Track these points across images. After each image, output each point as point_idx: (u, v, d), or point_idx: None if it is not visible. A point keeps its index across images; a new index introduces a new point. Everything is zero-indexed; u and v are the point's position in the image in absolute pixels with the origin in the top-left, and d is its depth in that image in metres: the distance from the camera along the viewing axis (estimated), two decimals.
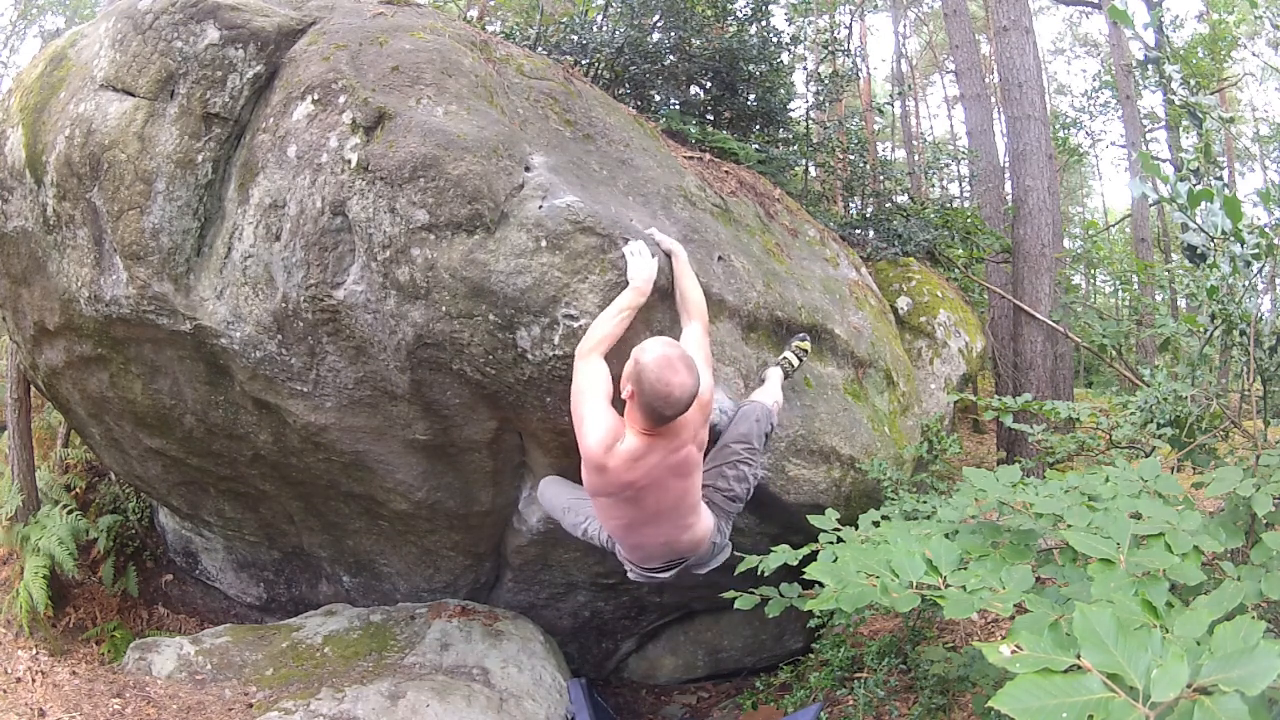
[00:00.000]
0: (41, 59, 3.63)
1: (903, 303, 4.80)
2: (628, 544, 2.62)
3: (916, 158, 14.57)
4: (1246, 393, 2.86)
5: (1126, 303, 12.99)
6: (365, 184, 2.77)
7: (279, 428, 3.43)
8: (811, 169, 6.58)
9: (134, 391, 3.58)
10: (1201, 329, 3.07)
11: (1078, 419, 3.33)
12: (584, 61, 5.28)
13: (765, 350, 3.36)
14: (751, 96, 5.73)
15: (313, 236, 2.87)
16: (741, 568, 2.35)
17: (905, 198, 6.93)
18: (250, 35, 3.03)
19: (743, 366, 3.22)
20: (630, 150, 3.38)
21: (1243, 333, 2.72)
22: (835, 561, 1.88)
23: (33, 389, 4.43)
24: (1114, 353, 5.58)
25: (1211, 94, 9.90)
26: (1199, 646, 1.19)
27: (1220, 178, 3.04)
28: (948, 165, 10.44)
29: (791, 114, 6.21)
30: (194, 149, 3.02)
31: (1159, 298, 9.78)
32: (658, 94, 5.59)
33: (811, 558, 2.03)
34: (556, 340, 2.74)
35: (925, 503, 3.01)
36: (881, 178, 6.84)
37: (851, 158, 6.51)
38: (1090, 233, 17.79)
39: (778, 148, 5.81)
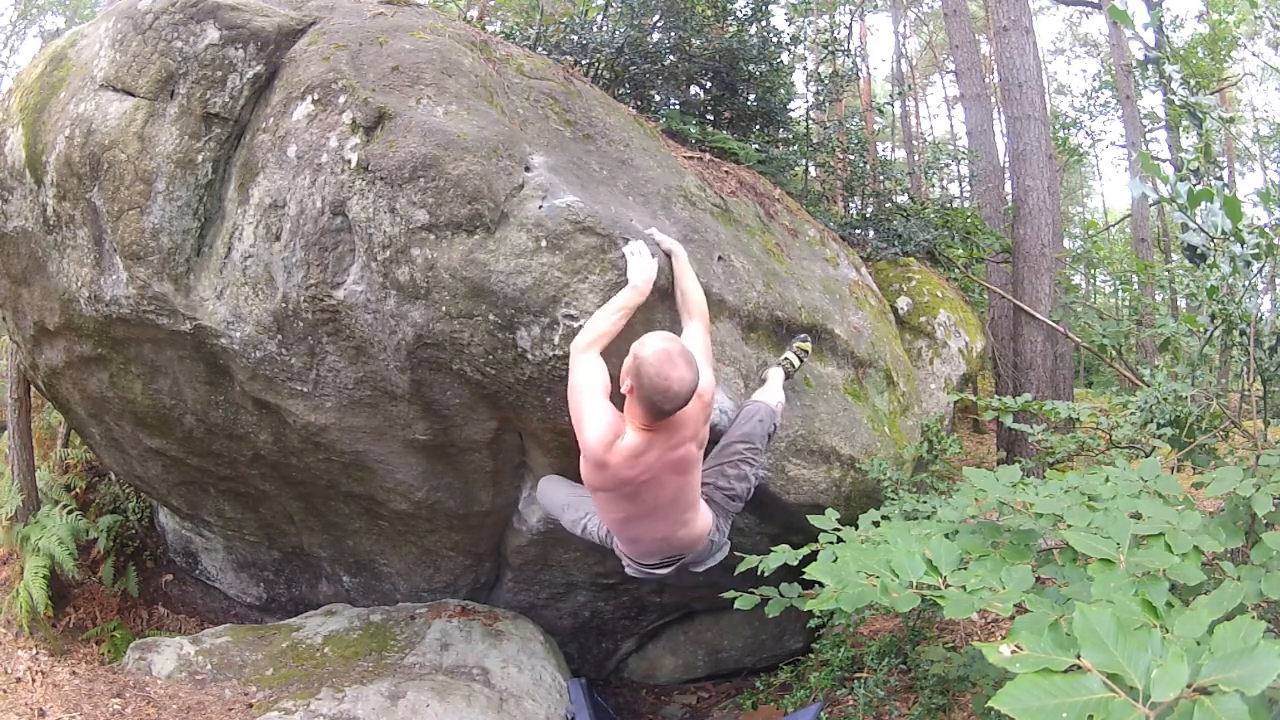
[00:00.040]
0: (41, 59, 3.63)
1: (903, 303, 4.80)
2: (626, 538, 2.62)
3: (916, 158, 14.57)
4: (1246, 393, 2.86)
5: (1126, 303, 13.00)
6: (365, 184, 2.77)
7: (279, 428, 3.43)
8: (811, 169, 6.58)
9: (134, 391, 3.58)
10: (1201, 329, 3.07)
11: (1078, 419, 3.33)
12: (584, 61, 5.28)
13: (765, 350, 3.36)
14: (751, 96, 5.73)
15: (313, 236, 2.87)
16: (741, 568, 2.35)
17: (905, 198, 6.93)
18: (250, 35, 3.03)
19: (743, 366, 3.22)
20: (630, 150, 3.38)
21: (1243, 333, 2.72)
22: (835, 561, 1.88)
23: (33, 389, 4.43)
24: (1114, 353, 5.58)
25: (1211, 94, 9.90)
26: (1199, 646, 1.19)
27: (1220, 178, 3.04)
28: (948, 165, 10.44)
29: (791, 114, 6.21)
30: (194, 149, 3.02)
31: (1159, 298, 9.79)
32: (658, 94, 5.59)
33: (811, 558, 2.03)
34: (556, 340, 2.74)
35: (925, 503, 3.01)
36: (881, 178, 6.84)
37: (851, 158, 6.51)
38: (1090, 233, 17.79)
39: (778, 148, 5.81)
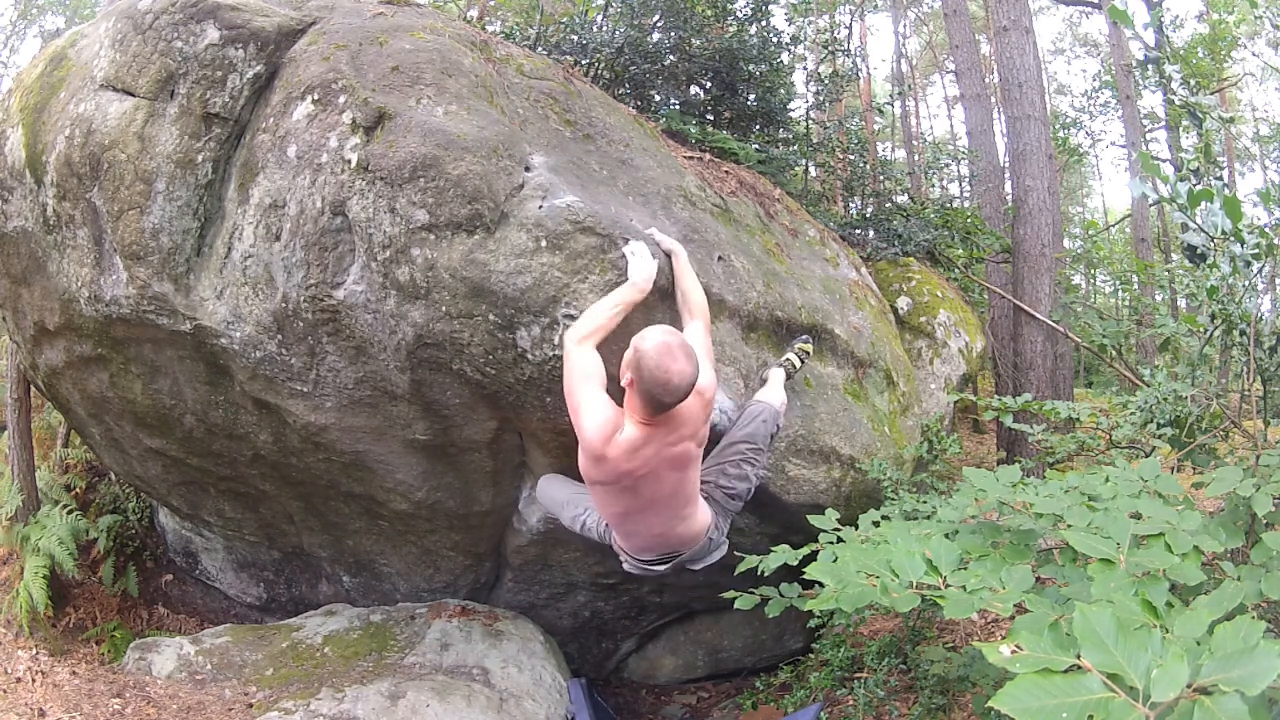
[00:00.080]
0: (41, 59, 3.63)
1: (903, 303, 4.80)
2: (623, 533, 2.62)
3: (916, 158, 14.57)
4: (1246, 393, 2.86)
5: (1126, 303, 13.00)
6: (365, 184, 2.77)
7: (279, 428, 3.43)
8: (811, 169, 6.58)
9: (134, 391, 3.58)
10: (1201, 329, 3.07)
11: (1078, 419, 3.33)
12: (584, 61, 5.28)
13: (765, 350, 3.36)
14: (751, 96, 5.73)
15: (313, 236, 2.87)
16: (741, 568, 2.35)
17: (905, 198, 6.93)
18: (250, 35, 3.03)
19: (743, 366, 3.22)
20: (630, 150, 3.38)
21: (1243, 333, 2.72)
22: (835, 561, 1.88)
23: (33, 389, 4.43)
24: (1114, 353, 5.58)
25: (1211, 94, 9.90)
26: (1199, 646, 1.19)
27: (1220, 178, 3.04)
28: (948, 165, 10.44)
29: (791, 114, 6.21)
30: (194, 149, 3.02)
31: (1159, 298, 9.79)
32: (658, 94, 5.59)
33: (811, 558, 2.03)
34: (556, 340, 2.73)
35: (925, 503, 3.01)
36: (881, 178, 6.84)
37: (851, 158, 6.51)
38: (1090, 233, 17.79)
39: (778, 148, 5.81)
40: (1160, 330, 3.44)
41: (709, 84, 5.67)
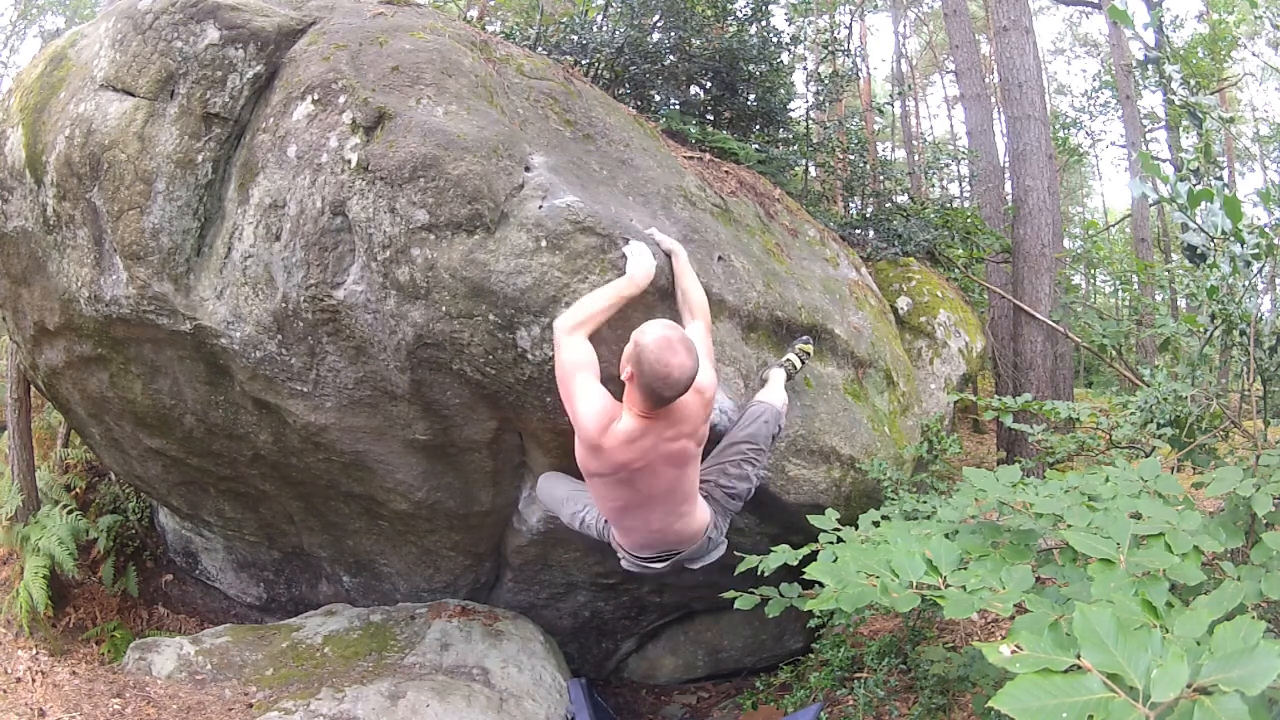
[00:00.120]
0: (41, 59, 3.63)
1: (903, 303, 4.80)
2: (622, 528, 2.62)
3: (916, 158, 14.58)
4: (1246, 393, 2.86)
5: (1126, 303, 13.00)
6: (365, 184, 2.77)
7: (279, 428, 3.43)
8: (811, 169, 6.57)
9: (134, 391, 3.58)
10: (1201, 329, 3.07)
11: (1078, 419, 3.33)
12: (584, 61, 5.28)
13: (765, 350, 3.36)
14: (751, 96, 5.73)
15: (313, 236, 2.87)
16: (741, 568, 2.35)
17: (905, 198, 6.93)
18: (250, 35, 3.03)
19: (743, 366, 3.22)
20: (630, 150, 3.38)
21: (1243, 333, 2.72)
22: (835, 561, 1.88)
23: (33, 389, 4.43)
24: (1114, 353, 5.58)
25: (1211, 94, 9.90)
26: (1199, 646, 1.19)
27: (1220, 178, 3.04)
28: (948, 165, 10.44)
29: (791, 114, 6.20)
30: (194, 149, 3.02)
31: (1159, 298, 9.79)
32: (658, 94, 5.59)
33: (811, 558, 2.03)
34: None
35: (925, 503, 3.01)
36: (881, 178, 6.83)
37: (851, 158, 6.51)
38: (1090, 233, 17.79)
39: (778, 148, 5.81)
40: (1160, 330, 3.44)
41: (709, 84, 5.67)
